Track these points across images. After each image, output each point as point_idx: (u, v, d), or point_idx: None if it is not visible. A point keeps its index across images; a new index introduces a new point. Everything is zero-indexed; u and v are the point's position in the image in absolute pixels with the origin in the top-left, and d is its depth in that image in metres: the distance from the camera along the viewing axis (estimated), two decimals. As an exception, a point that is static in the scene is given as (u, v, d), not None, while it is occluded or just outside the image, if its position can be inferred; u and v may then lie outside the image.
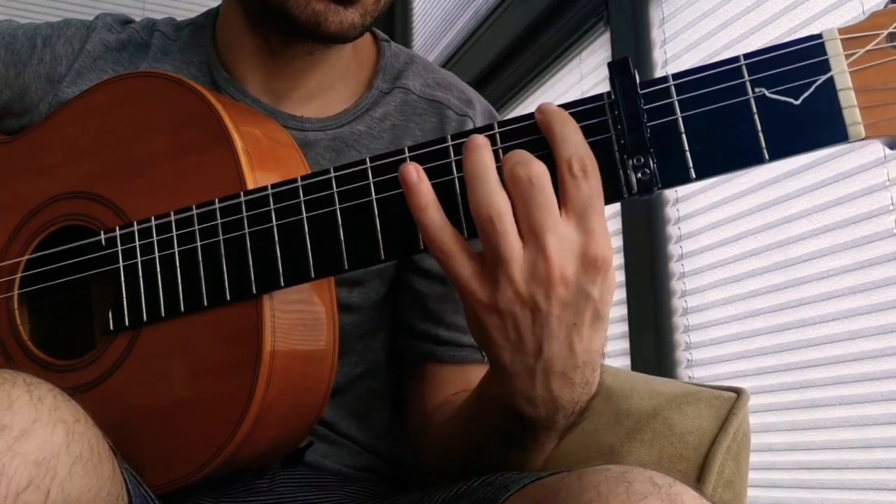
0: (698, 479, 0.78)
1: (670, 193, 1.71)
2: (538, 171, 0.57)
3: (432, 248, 0.60)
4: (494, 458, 0.71)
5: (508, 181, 0.58)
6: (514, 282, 0.57)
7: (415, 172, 0.60)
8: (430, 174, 0.62)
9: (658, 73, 1.80)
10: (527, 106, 2.36)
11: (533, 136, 0.60)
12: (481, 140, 0.59)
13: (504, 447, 0.70)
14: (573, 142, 0.58)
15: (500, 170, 0.59)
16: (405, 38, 3.13)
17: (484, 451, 0.72)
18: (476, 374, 0.86)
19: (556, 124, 0.58)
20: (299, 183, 0.67)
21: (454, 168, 0.62)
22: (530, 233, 0.57)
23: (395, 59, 0.94)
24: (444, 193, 0.62)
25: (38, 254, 0.79)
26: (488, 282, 0.58)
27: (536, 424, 0.65)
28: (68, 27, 0.91)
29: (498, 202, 0.57)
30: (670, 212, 1.72)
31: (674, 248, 1.71)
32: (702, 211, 1.64)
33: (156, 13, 3.01)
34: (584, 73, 2.08)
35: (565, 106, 0.60)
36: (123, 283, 0.73)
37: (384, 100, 0.91)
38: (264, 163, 0.73)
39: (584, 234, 0.57)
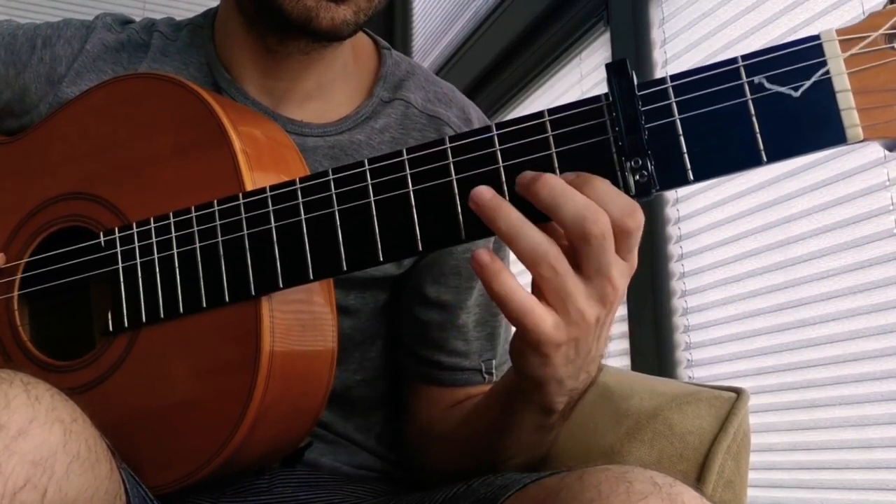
0: (698, 479, 0.78)
1: (670, 194, 1.71)
2: (604, 225, 0.58)
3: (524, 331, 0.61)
4: (521, 448, 0.76)
5: (578, 239, 0.58)
6: (586, 315, 0.60)
7: (488, 256, 0.60)
8: (428, 177, 0.62)
9: (658, 74, 1.80)
10: (527, 106, 2.36)
11: (533, 136, 0.60)
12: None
13: (535, 435, 0.75)
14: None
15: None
16: (405, 38, 3.13)
17: (512, 445, 0.76)
18: (475, 391, 0.90)
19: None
20: (298, 185, 0.67)
21: (452, 170, 0.62)
22: (598, 272, 0.59)
23: (396, 68, 0.94)
24: (442, 195, 0.62)
25: (39, 256, 0.79)
26: (563, 326, 0.60)
27: (564, 409, 0.70)
28: (68, 27, 0.91)
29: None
30: (670, 212, 1.72)
31: (674, 248, 1.70)
32: (702, 211, 1.64)
33: (156, 13, 3.01)
34: (584, 73, 2.08)
35: (563, 108, 0.60)
36: (122, 285, 0.73)
37: (384, 110, 0.91)
38: (263, 164, 0.73)
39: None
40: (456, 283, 0.89)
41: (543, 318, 0.59)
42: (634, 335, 1.76)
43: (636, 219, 0.58)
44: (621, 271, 0.59)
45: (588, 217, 0.57)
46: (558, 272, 0.59)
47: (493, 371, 0.92)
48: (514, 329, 0.84)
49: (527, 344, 0.62)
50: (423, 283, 0.88)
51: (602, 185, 0.58)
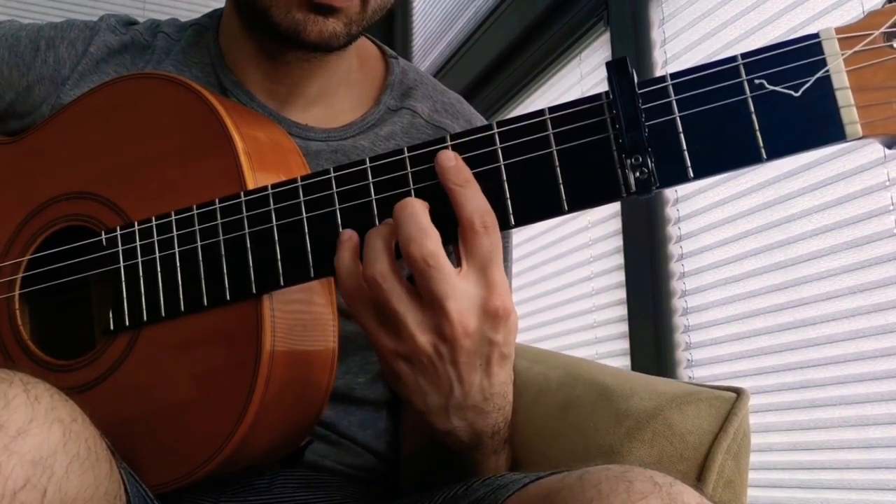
0: (698, 479, 0.78)
1: (670, 193, 1.71)
2: (430, 249, 0.60)
3: (348, 306, 0.64)
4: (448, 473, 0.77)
5: (406, 260, 0.61)
6: (417, 338, 0.62)
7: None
8: (429, 175, 0.63)
9: (658, 73, 1.80)
10: (527, 106, 2.36)
11: (534, 134, 0.61)
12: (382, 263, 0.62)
13: (449, 467, 0.76)
14: (474, 199, 0.61)
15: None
16: (405, 38, 3.13)
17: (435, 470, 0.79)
18: None
19: (452, 184, 0.61)
20: (299, 183, 0.67)
21: None
22: (431, 301, 0.61)
23: (404, 76, 0.94)
24: (443, 193, 0.62)
25: (40, 254, 0.79)
26: (394, 334, 0.63)
27: (464, 449, 0.71)
28: (71, 29, 0.91)
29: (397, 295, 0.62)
30: (670, 212, 1.72)
31: (674, 248, 1.71)
32: (702, 211, 1.64)
33: (156, 13, 3.01)
34: (584, 73, 2.08)
35: (564, 106, 0.60)
36: (124, 283, 0.73)
37: (391, 118, 0.91)
38: (265, 164, 0.73)
39: (485, 288, 0.61)
40: None
41: (374, 328, 0.63)
42: (634, 335, 1.76)
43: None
44: (466, 307, 0.60)
45: (414, 238, 0.60)
46: (384, 289, 0.62)
47: None
48: None
49: (373, 348, 0.65)
50: None
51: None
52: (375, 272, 0.61)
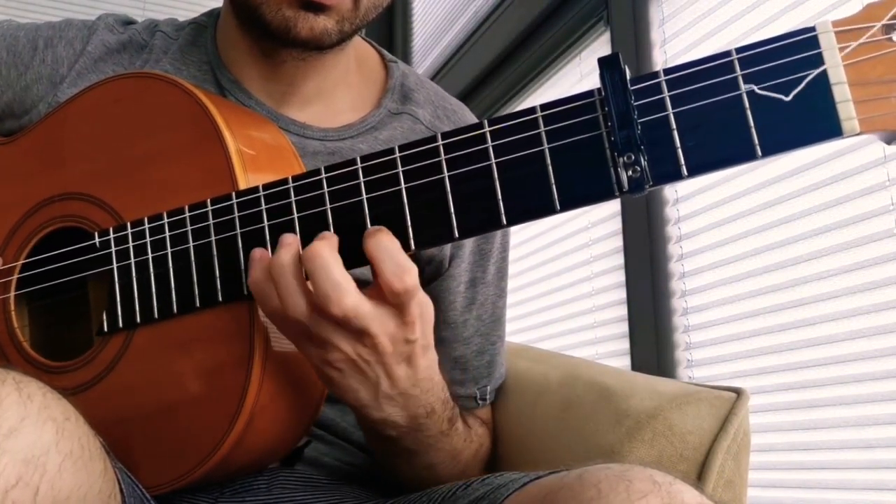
0: (698, 479, 0.78)
1: (670, 193, 1.71)
2: (349, 304, 0.61)
3: (272, 321, 0.66)
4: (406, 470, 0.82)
5: (323, 316, 0.63)
6: (343, 350, 0.64)
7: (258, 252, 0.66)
8: (420, 173, 0.62)
9: (658, 74, 1.79)
10: (526, 106, 2.35)
11: (525, 133, 0.60)
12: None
13: (397, 458, 0.79)
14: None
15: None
16: (405, 38, 3.13)
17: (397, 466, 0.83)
18: (466, 414, 0.91)
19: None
20: (290, 184, 0.67)
21: (444, 167, 0.62)
22: (359, 333, 0.64)
23: (405, 79, 0.94)
24: (434, 192, 0.62)
25: (35, 258, 0.78)
26: (320, 348, 0.65)
27: (402, 433, 0.73)
28: (69, 28, 0.91)
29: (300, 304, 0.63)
30: (670, 212, 1.72)
31: (674, 248, 1.70)
32: (702, 211, 1.63)
33: (155, 13, 3.01)
34: (584, 74, 2.07)
35: (556, 103, 0.60)
36: (117, 284, 0.72)
37: (391, 122, 0.90)
38: (259, 164, 0.73)
39: (398, 316, 0.63)
40: (453, 318, 0.90)
41: (302, 343, 0.66)
42: (634, 335, 1.76)
43: (403, 282, 0.61)
44: (388, 334, 0.63)
45: (331, 297, 0.61)
46: (307, 324, 0.64)
47: (487, 396, 0.94)
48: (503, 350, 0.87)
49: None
50: None
51: (382, 242, 0.62)
52: (298, 314, 0.63)
